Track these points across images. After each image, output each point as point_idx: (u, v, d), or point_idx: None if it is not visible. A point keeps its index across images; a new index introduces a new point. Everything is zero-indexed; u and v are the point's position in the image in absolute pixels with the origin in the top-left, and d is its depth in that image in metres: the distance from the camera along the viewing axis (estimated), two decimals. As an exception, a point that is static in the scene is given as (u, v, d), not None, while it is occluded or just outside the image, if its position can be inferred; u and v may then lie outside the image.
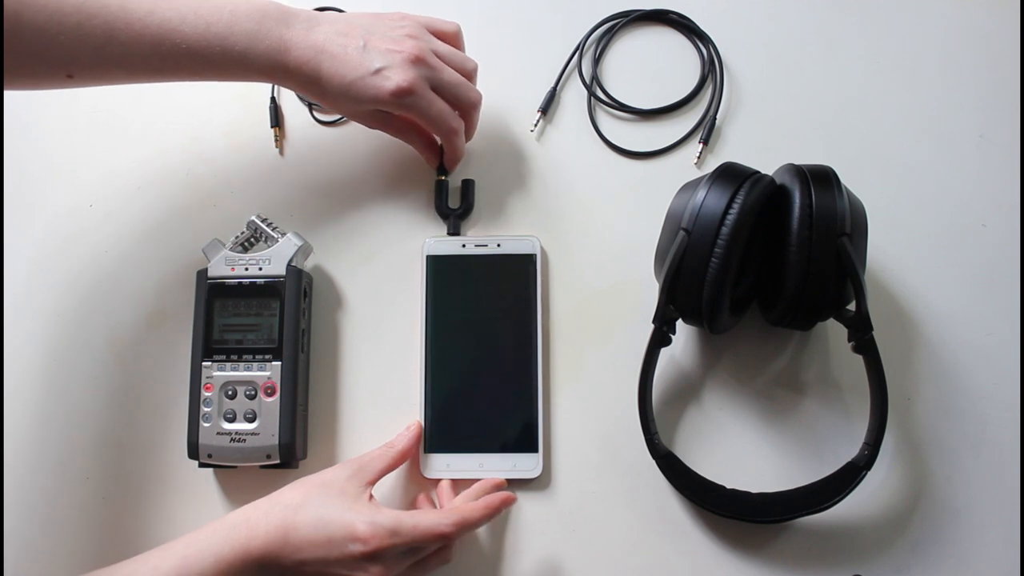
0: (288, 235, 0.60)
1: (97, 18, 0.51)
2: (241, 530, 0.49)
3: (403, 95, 0.55)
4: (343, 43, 0.55)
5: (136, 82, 0.56)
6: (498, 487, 0.57)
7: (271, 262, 0.59)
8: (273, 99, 0.67)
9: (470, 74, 0.60)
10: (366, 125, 0.61)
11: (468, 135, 0.62)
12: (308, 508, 0.50)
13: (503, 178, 0.65)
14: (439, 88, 0.57)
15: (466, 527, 0.51)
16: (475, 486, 0.57)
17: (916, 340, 0.61)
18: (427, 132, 0.61)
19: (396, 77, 0.55)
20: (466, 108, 0.60)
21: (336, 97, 0.56)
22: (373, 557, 0.49)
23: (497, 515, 0.54)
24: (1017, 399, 0.59)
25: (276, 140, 0.66)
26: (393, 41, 0.56)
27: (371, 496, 0.53)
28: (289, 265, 0.59)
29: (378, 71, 0.55)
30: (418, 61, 0.56)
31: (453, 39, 0.60)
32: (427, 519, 0.50)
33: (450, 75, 0.58)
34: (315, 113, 0.67)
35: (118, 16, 0.51)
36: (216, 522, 0.51)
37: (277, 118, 0.66)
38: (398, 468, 0.57)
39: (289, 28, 0.54)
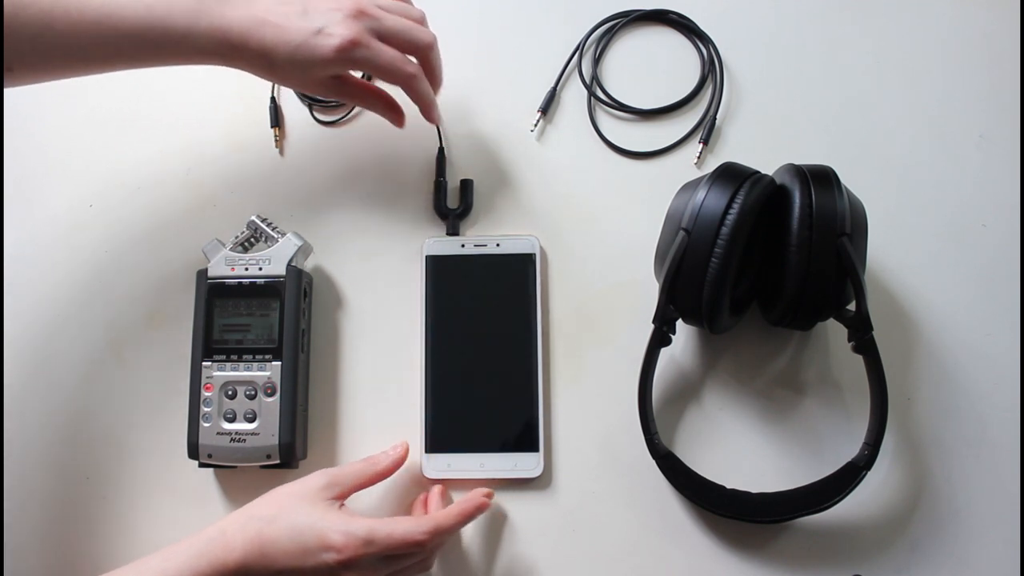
0: (288, 235, 0.60)
1: (32, 7, 0.50)
2: (217, 544, 0.49)
3: (349, 48, 0.54)
4: (284, 11, 0.54)
5: (78, 74, 0.55)
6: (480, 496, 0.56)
7: (271, 262, 0.59)
8: (273, 99, 0.67)
9: (418, 20, 0.59)
10: (325, 96, 0.61)
11: (434, 83, 0.60)
12: (282, 519, 0.50)
13: (503, 178, 0.65)
14: (386, 36, 0.56)
15: (440, 534, 0.51)
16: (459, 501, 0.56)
17: (916, 340, 0.61)
18: (386, 95, 0.61)
19: (339, 32, 0.54)
20: (420, 51, 0.58)
21: (285, 67, 0.55)
22: (347, 566, 0.49)
23: (472, 520, 0.54)
24: (1017, 399, 0.59)
25: (276, 140, 0.66)
26: (333, 1, 0.55)
27: (342, 505, 0.53)
28: (289, 265, 0.59)
29: (320, 31, 0.53)
30: (359, 14, 0.55)
31: None
32: (401, 527, 0.50)
33: (395, 21, 0.56)
34: (315, 113, 0.67)
35: (55, 3, 0.51)
36: (192, 536, 0.50)
37: (277, 118, 0.66)
38: (394, 468, 0.57)
39: (229, 4, 0.54)
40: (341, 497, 0.53)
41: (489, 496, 0.56)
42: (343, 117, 0.67)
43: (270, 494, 0.53)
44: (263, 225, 0.61)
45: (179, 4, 0.53)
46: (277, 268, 0.59)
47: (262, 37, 0.53)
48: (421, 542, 0.50)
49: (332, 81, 0.57)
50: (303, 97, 0.67)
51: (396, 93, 0.60)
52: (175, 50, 0.54)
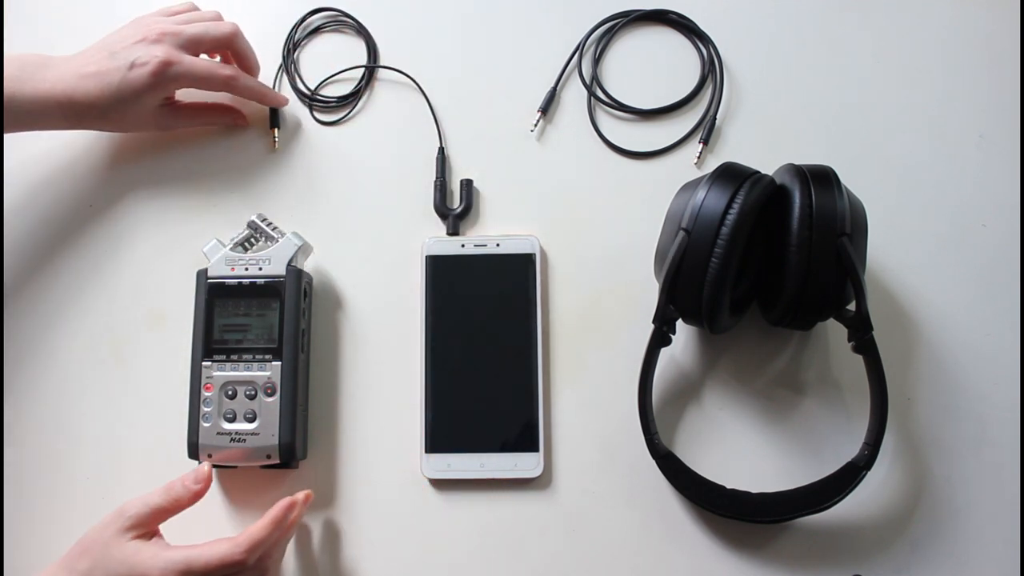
0: (288, 235, 0.60)
1: None
2: None
3: (163, 69, 0.58)
4: (95, 60, 0.58)
5: None
6: (292, 504, 0.55)
7: (271, 262, 0.59)
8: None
9: (213, 18, 0.63)
10: (167, 130, 0.64)
11: (251, 69, 0.64)
12: (97, 569, 0.50)
13: (503, 178, 0.65)
14: (192, 45, 0.60)
15: (258, 547, 0.51)
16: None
17: (916, 340, 0.61)
18: (219, 104, 0.65)
19: (149, 57, 0.58)
20: (227, 44, 0.62)
21: (116, 111, 0.59)
22: None
23: (285, 521, 0.53)
24: (1017, 399, 0.59)
25: (276, 140, 0.66)
26: (134, 36, 0.59)
27: (156, 536, 0.52)
28: (289, 265, 0.59)
29: (132, 64, 0.58)
30: (161, 36, 0.59)
31: (188, 9, 0.64)
32: (218, 550, 0.50)
33: (194, 28, 0.61)
34: (315, 113, 0.67)
35: None
36: None
37: (277, 118, 0.66)
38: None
39: (48, 68, 0.58)
40: (149, 531, 0.52)
41: (307, 499, 0.56)
42: (343, 117, 0.67)
43: (81, 541, 0.52)
44: (263, 225, 0.61)
45: (4, 74, 0.57)
46: (277, 268, 0.59)
47: (85, 90, 0.57)
48: (240, 561, 0.50)
49: (165, 111, 0.62)
50: (303, 97, 0.67)
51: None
52: (12, 119, 0.58)
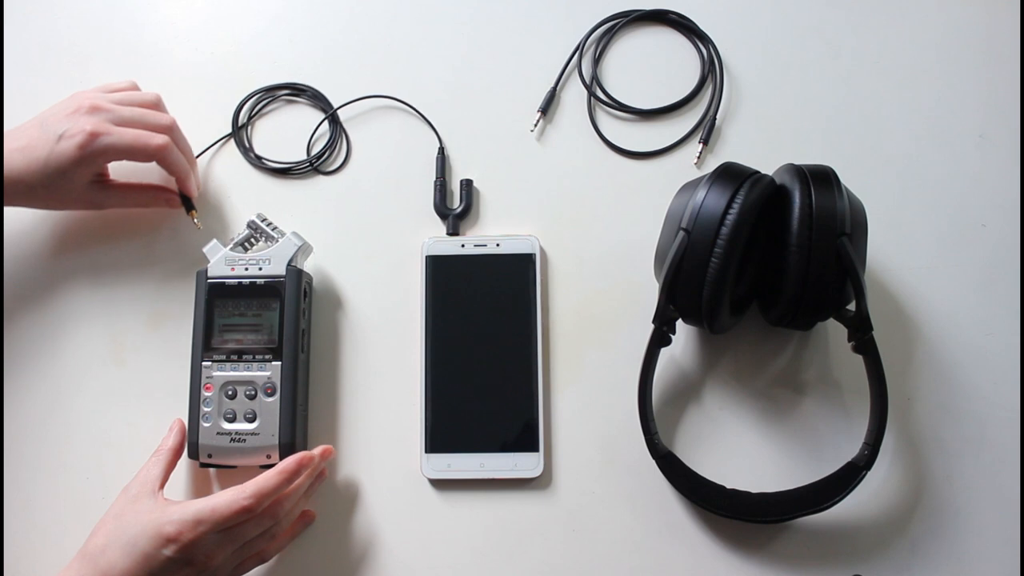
0: (288, 235, 0.60)
1: None
2: None
3: (90, 141, 0.56)
4: (27, 134, 0.57)
5: None
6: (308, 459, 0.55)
7: (271, 262, 0.59)
8: (273, 99, 0.67)
9: (153, 104, 0.61)
10: (99, 208, 0.62)
11: (187, 160, 0.62)
12: (112, 544, 0.51)
13: (503, 178, 0.65)
14: (125, 124, 0.58)
15: (264, 495, 0.52)
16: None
17: (916, 340, 0.61)
18: (153, 184, 0.63)
19: (77, 129, 0.56)
20: (161, 132, 0.59)
21: (43, 187, 0.57)
22: (189, 550, 0.50)
23: (297, 474, 0.54)
24: (1017, 399, 0.59)
25: (196, 222, 0.63)
26: (65, 110, 0.57)
27: (163, 497, 0.54)
28: (289, 265, 0.59)
29: (60, 136, 0.56)
30: (93, 109, 0.57)
31: (129, 90, 0.62)
32: (224, 497, 0.51)
33: (131, 110, 0.59)
34: (315, 113, 0.67)
35: None
36: None
37: (190, 202, 0.63)
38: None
39: None
40: (161, 489, 0.54)
41: (325, 453, 0.57)
42: (346, 104, 0.67)
43: (97, 526, 0.53)
44: (263, 225, 0.61)
45: None
46: (277, 268, 0.59)
47: (12, 166, 0.56)
48: (248, 507, 0.51)
49: (96, 188, 0.60)
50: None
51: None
52: None
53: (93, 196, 0.60)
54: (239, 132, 0.67)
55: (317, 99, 0.67)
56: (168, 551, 0.50)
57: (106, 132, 0.56)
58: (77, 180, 0.58)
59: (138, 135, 0.58)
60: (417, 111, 0.66)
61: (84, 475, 0.61)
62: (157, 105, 0.61)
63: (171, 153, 0.59)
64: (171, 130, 0.60)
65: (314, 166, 0.65)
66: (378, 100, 0.67)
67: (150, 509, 0.52)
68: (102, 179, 0.61)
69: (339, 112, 0.66)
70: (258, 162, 0.66)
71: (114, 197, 0.61)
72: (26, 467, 0.61)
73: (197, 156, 0.65)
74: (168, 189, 0.63)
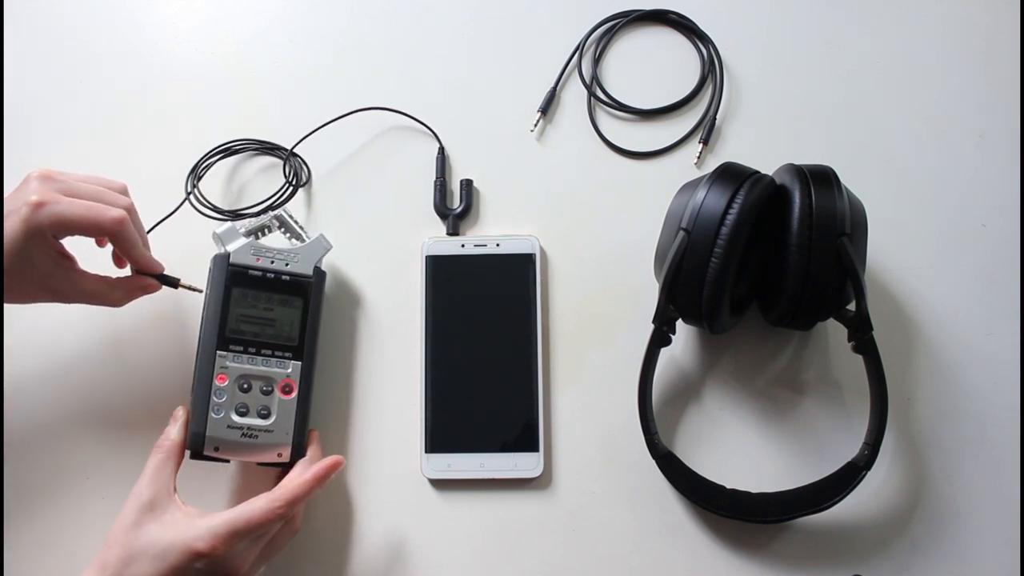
0: (319, 235, 0.60)
1: None
2: None
3: (36, 210, 0.50)
4: None
5: None
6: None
7: (299, 259, 0.59)
8: (273, 99, 0.67)
9: (117, 188, 0.55)
10: (65, 300, 0.55)
11: (142, 238, 0.56)
12: (138, 557, 0.49)
13: (503, 178, 0.65)
14: (77, 195, 0.52)
15: (298, 502, 0.52)
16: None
17: (916, 340, 0.61)
18: (120, 280, 0.56)
19: (22, 201, 0.50)
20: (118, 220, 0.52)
21: (8, 268, 0.50)
22: (221, 563, 0.49)
23: (327, 480, 0.53)
24: (1017, 399, 0.59)
25: (191, 287, 0.61)
26: (23, 189, 0.51)
27: (181, 503, 0.52)
28: (317, 266, 0.59)
29: (9, 214, 0.50)
30: (44, 178, 0.51)
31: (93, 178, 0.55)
32: (258, 508, 0.50)
33: (86, 186, 0.53)
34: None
35: None
36: None
37: (170, 279, 0.61)
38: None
39: None
40: (174, 487, 0.53)
41: (337, 464, 0.55)
42: (342, 116, 0.67)
43: (113, 535, 0.50)
44: (292, 222, 0.60)
45: None
46: (304, 267, 0.58)
47: None
48: (283, 515, 0.51)
49: (60, 273, 0.53)
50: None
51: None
52: None
53: (58, 284, 0.53)
54: (192, 193, 0.64)
55: (270, 149, 0.66)
56: (199, 565, 0.48)
57: (53, 201, 0.50)
58: (37, 262, 0.51)
59: (90, 206, 0.51)
60: (414, 117, 0.66)
61: (84, 475, 0.61)
62: (121, 190, 0.56)
63: (127, 229, 0.53)
64: (130, 210, 0.54)
65: (271, 206, 0.63)
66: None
67: (175, 522, 0.50)
68: (67, 264, 0.54)
69: (338, 113, 0.66)
70: (215, 209, 0.64)
71: (80, 288, 0.54)
72: (26, 466, 0.61)
73: (153, 227, 0.61)
74: (140, 277, 0.57)
